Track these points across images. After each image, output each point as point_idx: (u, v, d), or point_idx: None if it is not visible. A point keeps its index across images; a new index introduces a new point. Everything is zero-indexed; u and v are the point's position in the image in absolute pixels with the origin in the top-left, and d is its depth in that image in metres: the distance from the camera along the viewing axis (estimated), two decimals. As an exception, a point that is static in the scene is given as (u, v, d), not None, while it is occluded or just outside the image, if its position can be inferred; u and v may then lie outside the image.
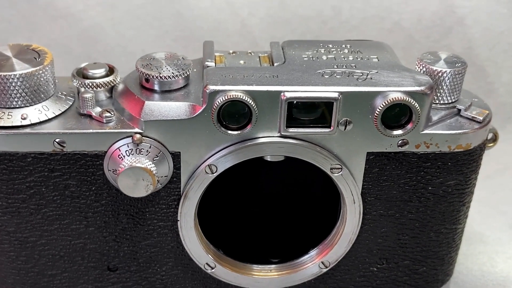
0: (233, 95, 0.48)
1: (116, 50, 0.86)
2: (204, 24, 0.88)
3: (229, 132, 0.49)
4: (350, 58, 0.53)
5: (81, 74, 0.53)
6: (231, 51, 0.56)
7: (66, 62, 0.86)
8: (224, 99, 0.48)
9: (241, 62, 0.54)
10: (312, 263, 0.57)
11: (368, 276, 0.58)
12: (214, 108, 0.48)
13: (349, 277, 0.58)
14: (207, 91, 0.48)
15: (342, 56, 0.53)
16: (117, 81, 0.53)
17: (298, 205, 0.64)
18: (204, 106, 0.49)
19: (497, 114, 0.88)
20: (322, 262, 0.57)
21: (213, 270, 0.56)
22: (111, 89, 0.53)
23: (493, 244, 0.70)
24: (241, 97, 0.48)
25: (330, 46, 0.55)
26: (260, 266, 0.58)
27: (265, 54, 0.55)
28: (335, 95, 0.49)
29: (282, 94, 0.48)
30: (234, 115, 0.49)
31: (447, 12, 0.87)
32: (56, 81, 0.54)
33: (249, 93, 0.48)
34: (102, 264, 0.56)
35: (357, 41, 0.57)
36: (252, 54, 0.56)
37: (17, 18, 0.85)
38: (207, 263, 0.56)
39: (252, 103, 0.48)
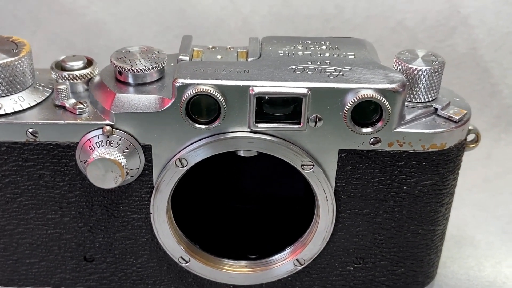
0: (201, 89, 0.48)
1: (118, 45, 0.85)
2: (206, 21, 0.88)
3: (197, 125, 0.49)
4: (327, 54, 0.52)
5: (60, 66, 0.54)
6: (210, 46, 0.56)
7: (69, 56, 0.88)
8: (192, 92, 0.48)
9: (218, 57, 0.54)
10: (287, 260, 0.57)
11: (345, 275, 0.58)
12: (182, 101, 0.48)
13: (325, 276, 0.58)
14: (176, 84, 0.48)
15: (319, 53, 0.53)
16: (94, 74, 0.54)
17: (279, 202, 0.63)
18: (173, 100, 0.49)
19: (501, 117, 0.87)
20: (297, 260, 0.56)
21: (187, 264, 0.57)
22: (89, 81, 0.54)
23: (484, 248, 0.68)
24: (209, 91, 0.48)
25: (309, 42, 0.55)
26: (234, 261, 0.58)
27: (244, 50, 0.55)
28: (304, 91, 0.48)
29: (250, 88, 0.48)
30: (203, 109, 0.49)
31: (452, 12, 0.86)
32: (37, 72, 0.55)
33: (218, 87, 0.48)
34: (78, 254, 0.57)
35: (338, 38, 0.57)
36: (232, 49, 0.56)
37: (22, 13, 0.87)
38: (181, 257, 0.56)
39: (220, 97, 0.48)
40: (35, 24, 0.87)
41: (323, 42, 0.55)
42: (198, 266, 0.57)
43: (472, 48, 0.86)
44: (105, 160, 0.49)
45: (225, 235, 0.61)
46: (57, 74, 0.53)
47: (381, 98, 0.48)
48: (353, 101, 0.48)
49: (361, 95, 0.48)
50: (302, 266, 0.57)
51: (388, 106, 0.48)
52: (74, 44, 0.87)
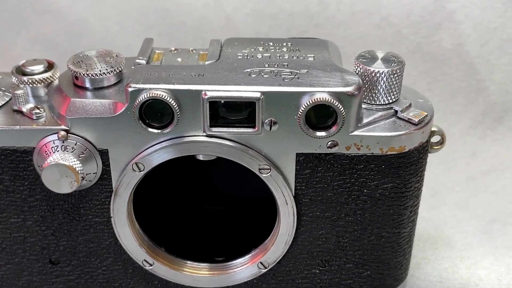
0: (153, 93, 0.48)
1: (101, 44, 0.86)
2: (189, 19, 0.88)
3: (150, 130, 0.49)
4: (286, 56, 0.52)
5: (20, 70, 0.54)
6: (173, 48, 0.56)
7: (53, 56, 0.88)
8: (144, 97, 0.48)
9: (179, 59, 0.54)
10: (250, 263, 0.56)
11: (310, 278, 0.57)
12: (135, 106, 0.48)
13: (291, 278, 0.58)
14: (129, 89, 0.48)
15: (278, 55, 0.52)
16: (55, 78, 0.54)
17: (248, 203, 0.63)
18: (126, 105, 0.49)
19: (488, 114, 0.86)
20: (261, 263, 0.56)
21: (151, 267, 0.57)
22: (50, 84, 0.54)
23: (460, 249, 0.67)
24: (162, 96, 0.48)
25: (271, 44, 0.54)
26: (198, 263, 0.57)
27: (205, 52, 0.55)
28: (257, 95, 0.48)
29: (203, 93, 0.48)
30: (157, 113, 0.49)
31: (437, 7, 0.84)
32: (0, 77, 0.56)
33: (170, 91, 0.48)
34: (43, 257, 0.57)
35: (302, 39, 0.56)
36: (194, 51, 0.56)
37: (6, 13, 0.87)
38: (145, 260, 0.56)
39: (172, 102, 0.48)
40: (19, 25, 0.87)
41: (284, 44, 0.54)
42: (162, 269, 0.57)
43: (458, 44, 0.84)
44: (60, 166, 0.49)
45: (192, 237, 0.61)
46: (17, 79, 0.53)
47: (335, 101, 0.47)
48: (306, 104, 0.47)
49: (315, 99, 0.47)
50: (267, 269, 0.57)
51: (342, 109, 0.47)
52: (57, 44, 0.87)
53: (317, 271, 0.57)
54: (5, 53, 0.87)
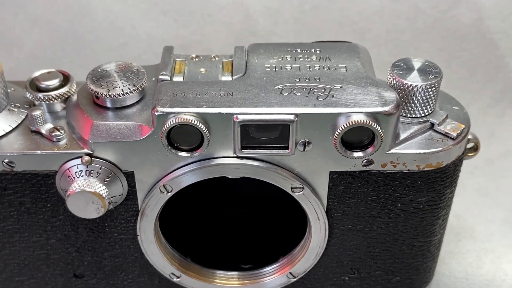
0: (182, 118, 0.45)
1: (103, 25, 0.83)
2: (195, -4, 0.83)
3: (180, 154, 0.47)
4: (316, 67, 0.49)
5: (35, 86, 0.51)
6: (194, 55, 0.53)
7: (53, 39, 0.84)
8: (172, 122, 0.45)
9: (202, 70, 0.51)
10: (280, 273, 0.56)
11: (339, 284, 0.57)
12: (163, 131, 0.46)
13: (320, 286, 0.57)
14: (156, 113, 0.46)
15: (308, 65, 0.49)
16: (72, 91, 0.51)
17: (273, 212, 0.62)
18: (153, 129, 0.46)
19: (507, 91, 0.84)
20: (290, 273, 0.55)
21: (179, 279, 0.56)
22: (67, 99, 0.51)
23: (484, 240, 0.67)
24: (191, 121, 0.45)
25: (298, 51, 0.51)
26: (226, 273, 0.57)
27: (230, 59, 0.52)
28: (291, 117, 0.46)
29: (234, 116, 0.46)
30: (185, 137, 0.47)
31: (456, -20, 0.81)
32: (12, 89, 0.53)
33: (200, 115, 0.45)
34: (67, 271, 0.56)
35: (329, 43, 0.53)
36: (216, 59, 0.53)
37: (2, -7, 0.82)
38: (172, 273, 0.55)
39: (202, 127, 0.45)
40: (16, 5, 0.82)
41: (313, 51, 0.51)
42: (190, 281, 0.56)
43: (477, 19, 0.81)
44: (86, 193, 0.47)
45: (218, 244, 0.60)
46: (32, 95, 0.50)
47: (373, 123, 0.45)
48: (343, 127, 0.45)
49: (352, 121, 0.45)
50: (296, 279, 0.56)
51: (380, 131, 0.45)
52: (57, 26, 0.83)
53: (347, 278, 0.57)
54: (2, 36, 0.83)
